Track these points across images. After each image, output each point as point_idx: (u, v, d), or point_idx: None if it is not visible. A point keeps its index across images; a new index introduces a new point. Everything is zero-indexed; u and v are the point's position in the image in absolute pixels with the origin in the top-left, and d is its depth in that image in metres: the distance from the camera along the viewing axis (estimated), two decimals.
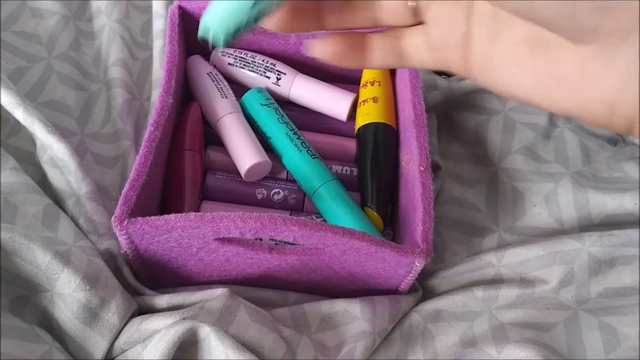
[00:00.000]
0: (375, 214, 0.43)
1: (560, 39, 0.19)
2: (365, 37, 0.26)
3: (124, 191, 0.36)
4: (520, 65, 0.21)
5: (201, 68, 0.48)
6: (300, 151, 0.44)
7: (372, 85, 0.49)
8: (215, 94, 0.46)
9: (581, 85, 0.19)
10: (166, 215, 0.35)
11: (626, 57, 0.18)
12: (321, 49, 0.26)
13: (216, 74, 0.48)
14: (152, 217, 0.35)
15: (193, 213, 0.35)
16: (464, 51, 0.23)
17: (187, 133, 0.44)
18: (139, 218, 0.35)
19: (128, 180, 0.36)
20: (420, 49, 0.25)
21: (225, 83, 0.48)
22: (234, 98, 0.47)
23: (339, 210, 0.42)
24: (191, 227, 0.35)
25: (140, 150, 0.37)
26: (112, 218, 0.35)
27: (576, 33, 0.18)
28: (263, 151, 0.44)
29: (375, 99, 0.48)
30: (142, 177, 0.36)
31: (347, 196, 0.43)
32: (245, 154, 0.43)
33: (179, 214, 0.35)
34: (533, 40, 0.21)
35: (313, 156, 0.44)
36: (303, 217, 0.36)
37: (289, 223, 0.35)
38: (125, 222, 0.35)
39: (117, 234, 0.36)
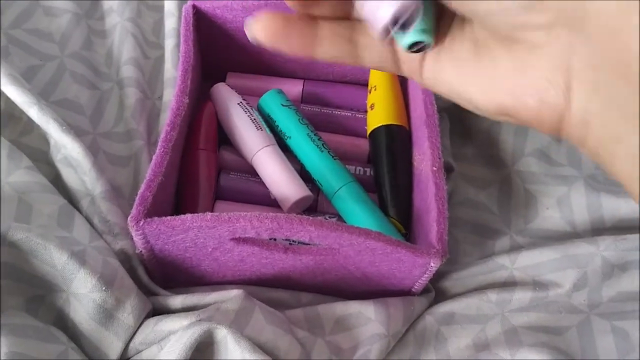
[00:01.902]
0: (396, 221, 0.43)
1: (497, 41, 0.21)
2: (317, 23, 0.24)
3: (140, 191, 0.36)
4: (465, 71, 0.23)
5: (231, 98, 0.46)
6: (322, 152, 0.44)
7: (370, 92, 0.49)
8: (249, 126, 0.45)
9: (514, 78, 0.21)
10: (182, 216, 0.35)
11: (551, 52, 0.20)
12: (263, 25, 0.23)
13: (247, 104, 0.46)
14: (169, 217, 0.35)
15: (210, 213, 0.35)
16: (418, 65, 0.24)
17: (201, 133, 0.44)
18: (155, 218, 0.35)
19: (144, 181, 0.36)
20: (373, 50, 0.24)
21: (257, 113, 0.47)
22: (269, 130, 0.46)
23: (359, 211, 0.42)
24: (207, 227, 0.35)
25: (157, 151, 0.37)
26: (129, 218, 0.35)
27: (508, 30, 0.20)
28: (304, 185, 0.43)
29: (372, 106, 0.48)
30: (159, 178, 0.36)
31: (367, 198, 0.43)
32: (288, 188, 0.43)
33: (196, 214, 0.35)
34: (476, 48, 0.22)
35: (334, 157, 0.44)
36: (319, 218, 0.36)
37: (305, 223, 0.35)
38: (142, 223, 0.35)
39: (133, 234, 0.36)
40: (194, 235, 0.36)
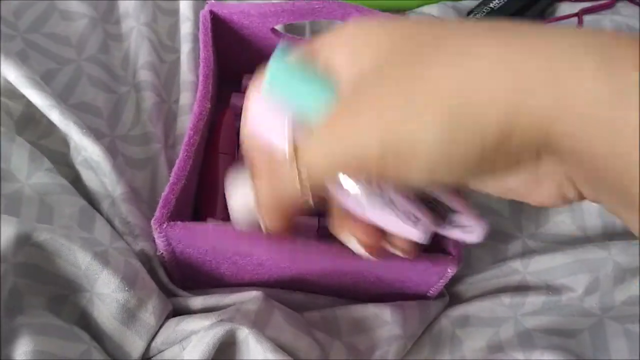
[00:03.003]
0: None
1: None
2: None
3: (164, 194, 0.36)
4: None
5: None
6: None
7: None
8: None
9: (531, 192, 0.25)
10: (205, 224, 0.36)
11: (548, 170, 0.23)
12: None
13: None
14: (191, 223, 0.36)
15: (231, 227, 0.35)
16: None
17: (221, 136, 0.44)
18: (179, 222, 0.35)
19: (168, 184, 0.36)
20: None
21: None
22: None
23: None
24: (227, 238, 0.35)
25: (180, 154, 0.38)
26: (152, 220, 0.35)
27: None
28: None
29: None
30: (182, 181, 0.37)
31: None
32: None
33: (217, 226, 0.35)
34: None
35: None
36: (335, 245, 0.35)
37: (323, 252, 0.35)
38: (165, 225, 0.35)
39: (155, 236, 0.36)
40: (214, 241, 0.36)
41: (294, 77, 0.27)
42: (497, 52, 0.20)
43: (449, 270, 0.37)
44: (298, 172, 0.26)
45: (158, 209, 0.35)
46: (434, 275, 0.39)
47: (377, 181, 0.27)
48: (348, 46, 0.25)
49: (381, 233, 0.29)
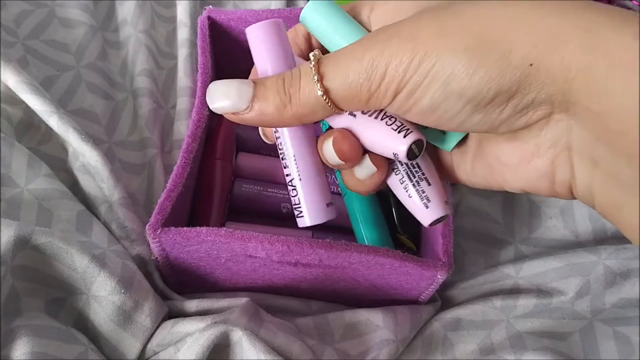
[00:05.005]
0: (407, 239, 0.44)
1: (499, 139, 0.25)
2: None
3: (160, 200, 0.37)
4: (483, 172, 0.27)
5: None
6: None
7: None
8: None
9: (522, 167, 0.24)
10: (198, 228, 0.36)
11: (552, 137, 0.22)
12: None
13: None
14: (185, 229, 0.36)
15: (224, 229, 0.36)
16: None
17: (219, 143, 0.45)
18: (172, 228, 0.36)
19: (165, 190, 0.37)
20: None
21: None
22: None
23: (363, 215, 0.44)
24: (221, 242, 0.36)
25: (178, 161, 0.38)
26: (147, 226, 0.36)
27: (510, 133, 0.23)
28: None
29: None
30: (179, 188, 0.37)
31: (375, 206, 0.44)
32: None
33: (211, 229, 0.36)
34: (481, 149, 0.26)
35: None
36: (328, 240, 0.37)
37: (315, 246, 0.36)
38: (159, 231, 0.36)
39: (150, 241, 0.37)
40: (208, 247, 0.37)
41: (331, 14, 0.28)
42: (533, 4, 0.21)
43: (438, 276, 0.38)
44: (320, 79, 0.24)
45: (153, 215, 0.36)
46: (425, 281, 0.39)
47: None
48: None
49: (360, 146, 0.27)
